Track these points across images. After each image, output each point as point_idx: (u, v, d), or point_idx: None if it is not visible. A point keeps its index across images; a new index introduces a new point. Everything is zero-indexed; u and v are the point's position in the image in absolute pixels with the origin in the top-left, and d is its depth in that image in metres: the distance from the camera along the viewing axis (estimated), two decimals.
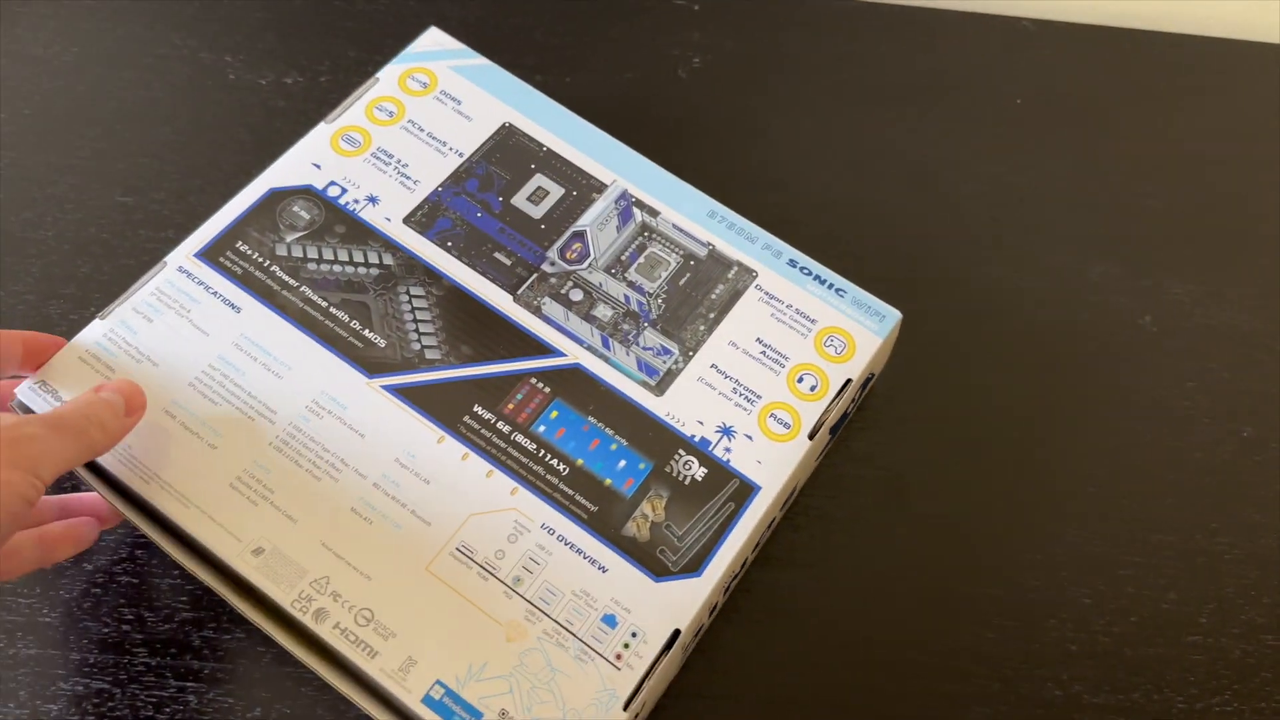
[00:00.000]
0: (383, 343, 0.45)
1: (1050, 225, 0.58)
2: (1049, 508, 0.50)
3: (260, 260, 0.46)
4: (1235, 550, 0.49)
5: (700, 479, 0.43)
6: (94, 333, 0.44)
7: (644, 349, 0.46)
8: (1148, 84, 0.64)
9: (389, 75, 0.52)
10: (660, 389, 0.45)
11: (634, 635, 0.40)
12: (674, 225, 0.49)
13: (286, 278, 0.46)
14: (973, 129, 0.61)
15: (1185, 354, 0.55)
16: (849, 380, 0.46)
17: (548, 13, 0.63)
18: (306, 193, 0.48)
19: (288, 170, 0.49)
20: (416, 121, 0.51)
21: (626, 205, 0.49)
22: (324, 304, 0.45)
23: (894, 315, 0.48)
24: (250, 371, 0.43)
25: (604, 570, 0.41)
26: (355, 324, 0.45)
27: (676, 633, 0.40)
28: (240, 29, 0.61)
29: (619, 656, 0.39)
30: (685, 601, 0.41)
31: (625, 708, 0.39)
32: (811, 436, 0.44)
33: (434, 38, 0.53)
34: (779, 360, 0.46)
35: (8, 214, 0.54)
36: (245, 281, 0.45)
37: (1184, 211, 0.59)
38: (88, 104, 0.58)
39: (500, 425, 0.43)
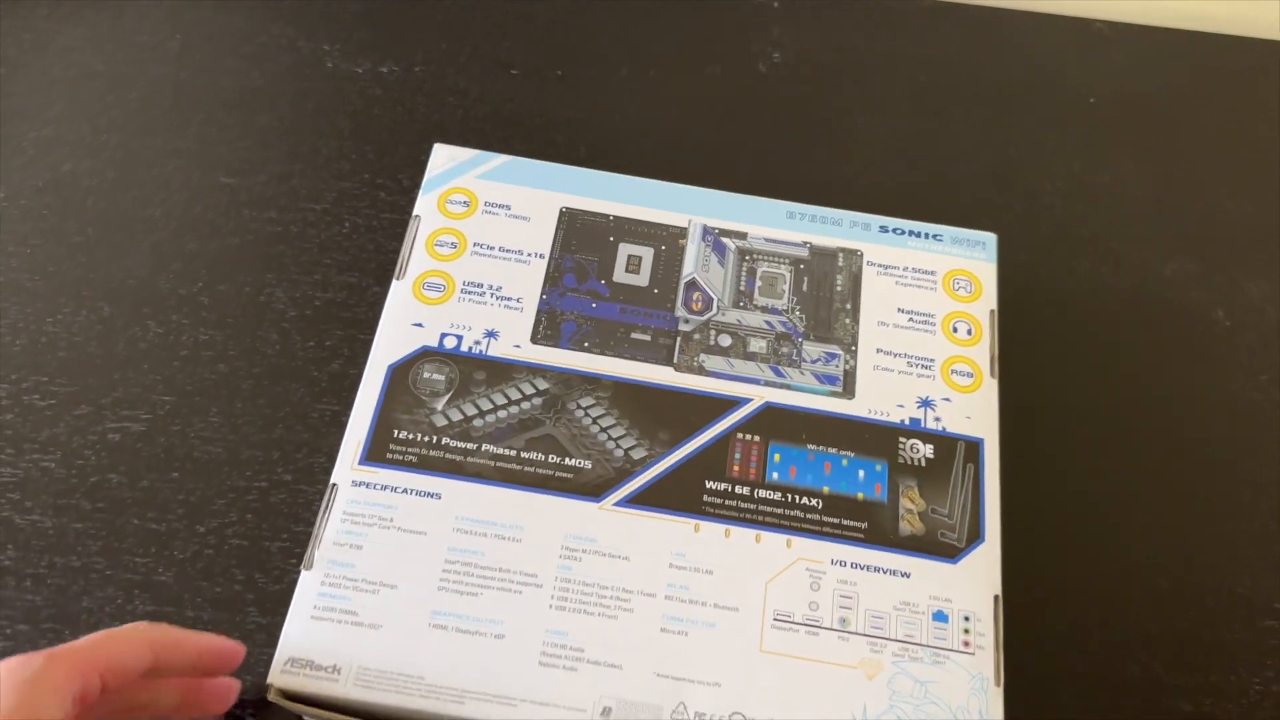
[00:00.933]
0: (588, 464, 0.44)
1: (1127, 223, 0.60)
2: (1130, 496, 0.53)
3: (427, 439, 0.44)
4: None
5: (932, 455, 0.45)
6: (310, 584, 0.41)
7: (812, 363, 0.47)
8: (1220, 86, 0.66)
9: (426, 208, 0.49)
10: (848, 391, 0.46)
11: (966, 619, 0.42)
12: (765, 239, 0.50)
13: (463, 444, 0.44)
14: (1049, 128, 0.63)
15: (1258, 348, 0.56)
16: (992, 310, 0.49)
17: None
18: (426, 355, 0.46)
19: (393, 342, 0.46)
20: (481, 243, 0.49)
21: (714, 239, 0.50)
22: (513, 453, 0.44)
23: (991, 238, 0.51)
24: (488, 549, 0.42)
25: (907, 576, 0.42)
26: (553, 458, 0.44)
27: (997, 598, 0.42)
28: (336, 20, 0.64)
29: (966, 643, 0.41)
30: (987, 567, 0.43)
31: (998, 683, 0.41)
32: (994, 374, 0.47)
33: (446, 154, 0.51)
34: (927, 320, 0.48)
35: (118, 193, 0.57)
36: (426, 465, 0.43)
37: (1260, 213, 0.61)
38: (192, 90, 0.61)
39: (739, 490, 0.44)
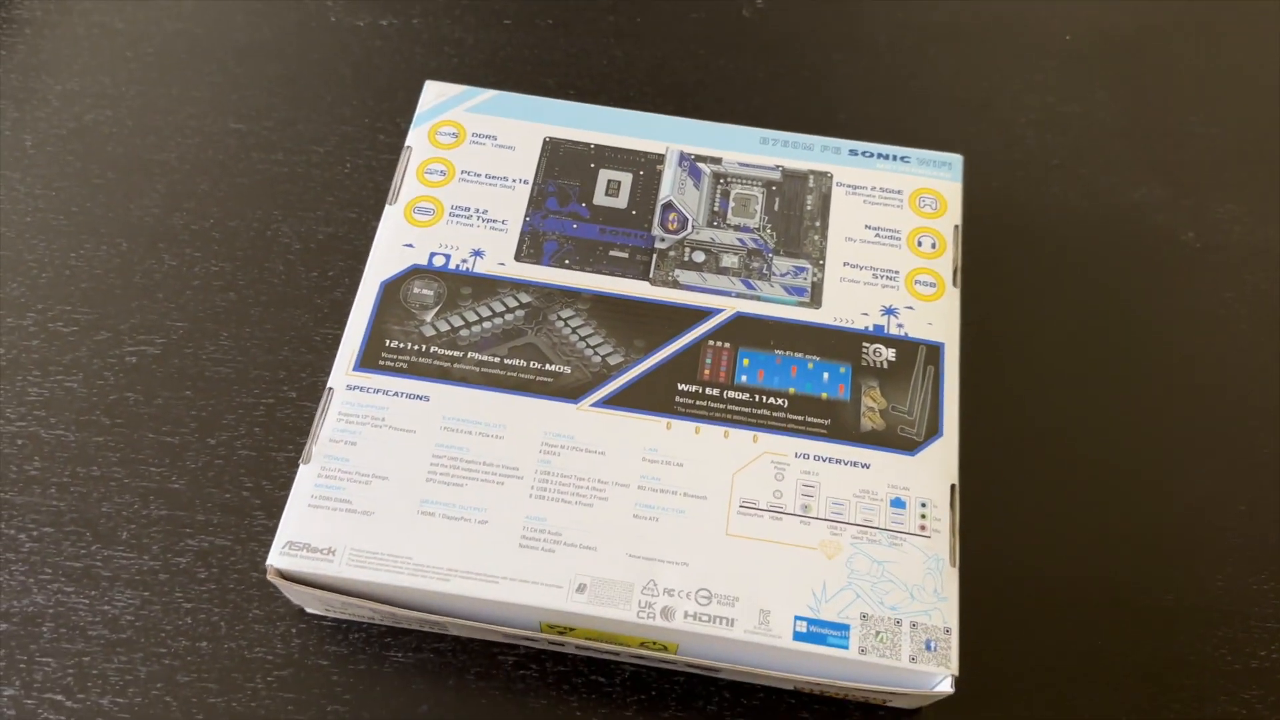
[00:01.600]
0: (568, 370, 0.47)
1: (1098, 151, 0.62)
2: (1091, 401, 0.54)
3: (417, 348, 0.47)
4: None
5: (894, 359, 0.47)
6: (307, 475, 0.44)
7: (781, 275, 0.50)
8: (1192, 17, 0.67)
9: (417, 140, 0.53)
10: (815, 301, 0.49)
11: (923, 505, 0.44)
12: (739, 163, 0.53)
13: (450, 352, 0.47)
14: (1024, 64, 0.65)
15: (1226, 267, 0.58)
16: (956, 225, 0.51)
17: None
18: (416, 273, 0.49)
19: (385, 261, 0.49)
20: (469, 171, 0.52)
21: (690, 164, 0.52)
22: (497, 360, 0.47)
23: (957, 160, 0.53)
24: (473, 445, 0.45)
25: (867, 467, 0.45)
26: (535, 364, 0.47)
27: (954, 487, 0.45)
28: None
29: (922, 527, 0.44)
30: (944, 459, 0.45)
31: (954, 564, 0.43)
32: (956, 284, 0.49)
33: (436, 90, 0.54)
34: (893, 235, 0.51)
35: (135, 139, 0.61)
36: (416, 371, 0.46)
37: (1229, 137, 0.62)
38: (204, 43, 0.64)
39: (709, 391, 0.46)
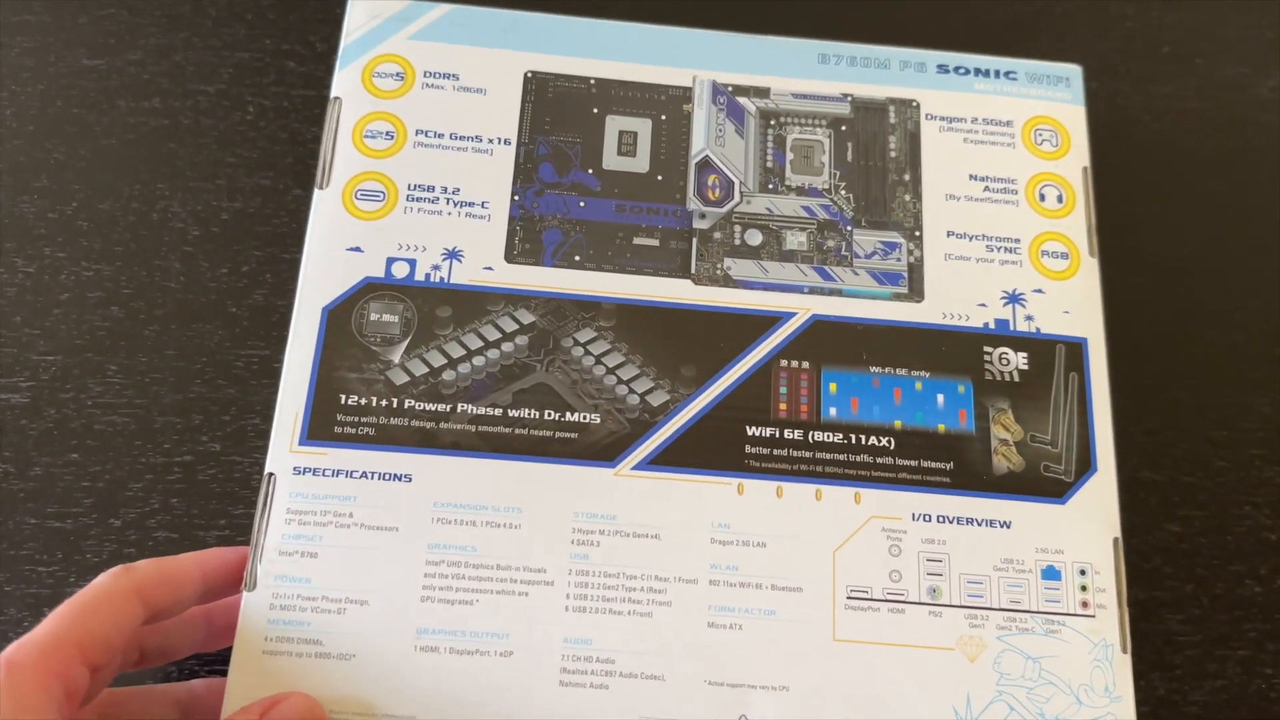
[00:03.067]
0: (596, 418, 0.34)
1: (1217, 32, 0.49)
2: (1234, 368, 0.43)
3: (385, 403, 0.34)
4: None
5: (1026, 366, 0.36)
6: (255, 609, 0.32)
7: (867, 257, 0.37)
8: None
9: (347, 86, 0.38)
10: (915, 292, 0.36)
11: (1083, 573, 0.34)
12: (793, 94, 0.39)
13: (432, 406, 0.34)
14: None
15: None
16: (1084, 168, 0.38)
17: None
18: (371, 290, 0.35)
19: (325, 275, 0.35)
20: (426, 129, 0.37)
21: (728, 99, 0.38)
22: (499, 412, 0.34)
23: (1075, 71, 0.40)
24: (480, 541, 0.33)
25: (1007, 526, 0.34)
26: (551, 415, 0.34)
27: (1117, 541, 0.34)
28: None
29: (1084, 604, 0.33)
30: (1102, 505, 0.34)
31: (1125, 649, 0.33)
32: (1093, 252, 0.37)
33: (366, 10, 0.39)
34: (1007, 187, 0.38)
35: None
36: (388, 439, 0.34)
37: None
38: None
39: (789, 434, 0.34)
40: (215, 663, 0.36)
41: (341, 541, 0.32)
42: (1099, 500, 0.34)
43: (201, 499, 0.39)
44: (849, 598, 0.33)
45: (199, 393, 0.40)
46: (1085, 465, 0.35)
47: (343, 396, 0.34)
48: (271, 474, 0.33)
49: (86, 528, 0.38)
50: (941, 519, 0.34)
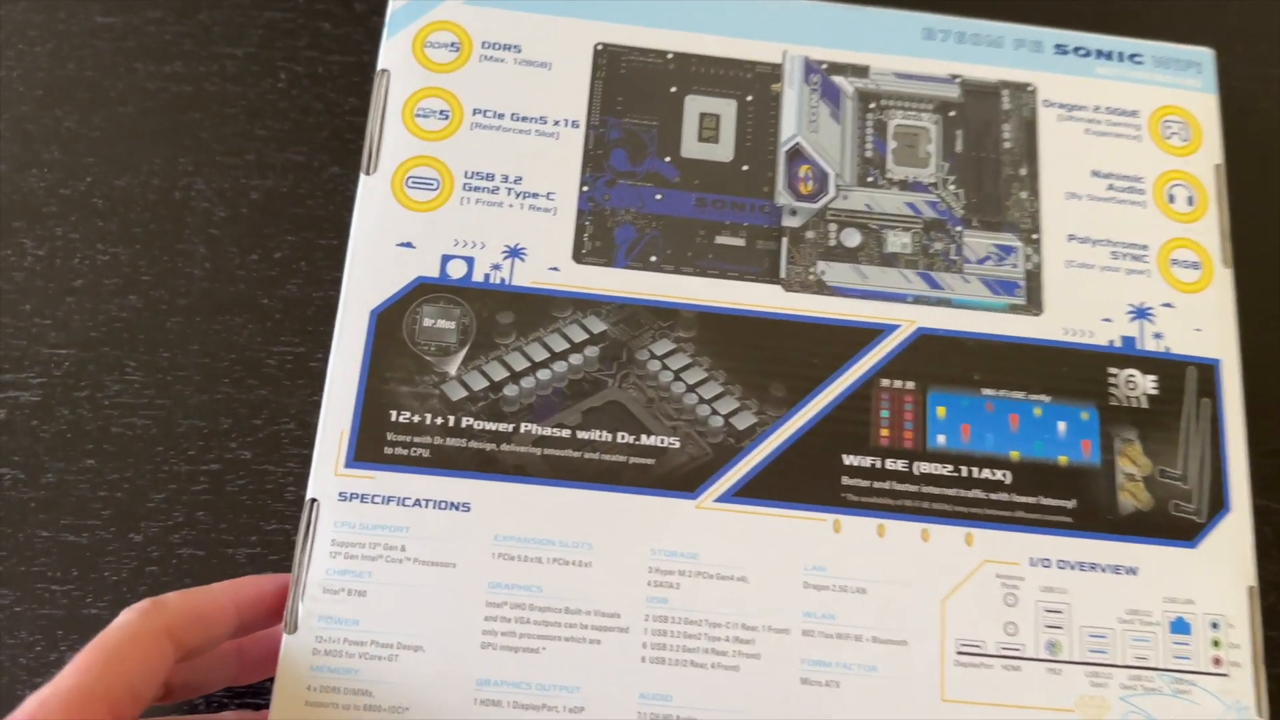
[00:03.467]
0: (675, 441, 0.31)
1: None
2: None
3: (440, 422, 0.30)
4: None
5: (1154, 390, 0.32)
6: (297, 654, 0.28)
7: (979, 263, 0.33)
8: None
9: (396, 57, 0.33)
10: (1034, 303, 0.32)
11: (1214, 626, 0.30)
12: (896, 73, 0.34)
13: (493, 425, 0.30)
14: None
15: None
16: (1217, 165, 0.34)
17: None
18: (424, 292, 0.31)
19: (372, 273, 0.31)
20: (484, 109, 0.33)
21: (822, 78, 0.34)
22: (566, 434, 0.30)
23: (1206, 55, 0.35)
24: (547, 580, 0.29)
25: (1134, 572, 0.30)
26: (624, 437, 0.30)
27: (1252, 590, 0.31)
28: None
29: (1217, 661, 0.30)
30: (1236, 549, 0.31)
31: (1262, 713, 0.30)
32: (1227, 262, 0.33)
33: None
34: (1134, 186, 0.34)
35: None
36: (444, 462, 0.30)
37: None
38: None
39: (892, 465, 0.31)
40: (246, 695, 0.33)
41: (393, 578, 0.29)
42: (1233, 543, 0.31)
43: (230, 512, 0.35)
44: (959, 652, 0.29)
45: (227, 393, 0.36)
46: (1218, 504, 0.31)
47: (393, 413, 0.30)
48: (314, 500, 0.29)
49: (104, 542, 0.35)
50: (1062, 564, 0.30)
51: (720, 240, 0.32)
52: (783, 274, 0.32)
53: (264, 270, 0.38)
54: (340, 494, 0.30)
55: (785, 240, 0.33)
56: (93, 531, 0.35)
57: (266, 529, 0.35)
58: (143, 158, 0.39)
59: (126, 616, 0.26)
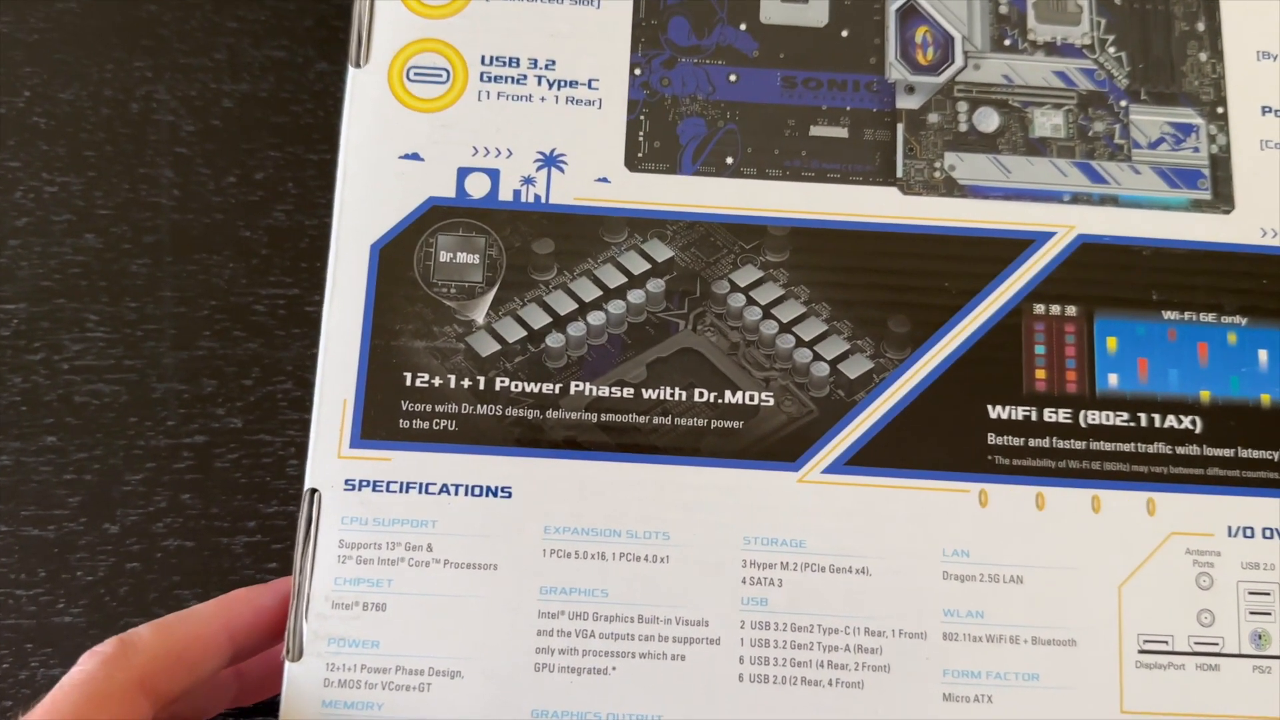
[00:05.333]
0: (768, 397, 0.24)
1: None
2: None
3: (468, 385, 0.24)
4: None
5: None
6: (304, 686, 0.22)
7: (1151, 148, 0.25)
8: None
9: None
10: (1222, 198, 0.25)
11: None
12: None
13: (536, 387, 0.24)
14: None
15: None
16: None
17: None
18: (438, 216, 0.24)
19: (369, 197, 0.24)
20: None
21: None
22: (628, 394, 0.24)
23: None
24: (612, 581, 0.23)
25: None
26: (702, 394, 0.24)
27: None
28: None
29: None
30: None
31: None
32: None
33: None
34: None
35: None
36: (476, 437, 0.23)
37: None
38: None
39: (1050, 416, 0.24)
40: (249, 713, 0.27)
41: (419, 587, 0.23)
42: None
43: (222, 493, 0.29)
44: (1142, 651, 0.23)
45: (209, 349, 0.30)
46: None
47: (408, 376, 0.24)
48: (314, 491, 0.23)
49: (74, 536, 0.29)
50: (1269, 533, 0.24)
51: (816, 131, 0.25)
52: (899, 172, 0.25)
53: (244, 195, 0.31)
54: (347, 482, 0.23)
55: (901, 127, 0.25)
56: (60, 523, 0.29)
57: (266, 512, 0.29)
58: (91, 63, 0.32)
59: (86, 668, 0.20)
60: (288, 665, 0.23)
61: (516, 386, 0.24)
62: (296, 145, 0.31)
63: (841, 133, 0.25)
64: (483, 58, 0.25)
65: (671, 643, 0.23)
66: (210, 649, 0.22)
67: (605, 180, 0.25)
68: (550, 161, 0.25)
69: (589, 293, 0.24)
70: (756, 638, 0.23)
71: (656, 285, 0.24)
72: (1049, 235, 0.25)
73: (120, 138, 0.31)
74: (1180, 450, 0.24)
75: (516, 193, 0.25)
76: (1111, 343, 0.24)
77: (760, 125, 0.25)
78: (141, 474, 0.29)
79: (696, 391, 0.24)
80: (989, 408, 0.24)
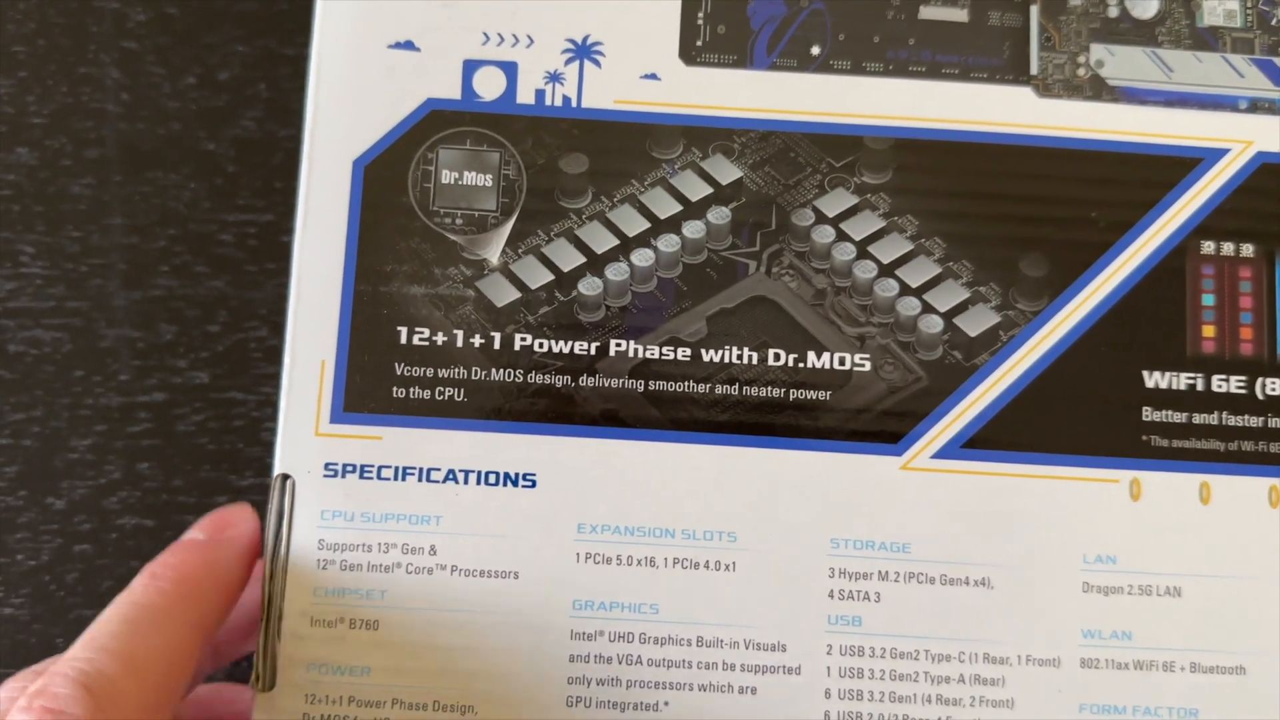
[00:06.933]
0: (865, 362, 0.19)
1: None
2: None
3: (482, 343, 0.19)
4: None
5: None
6: None
7: None
8: None
9: None
10: None
11: None
12: None
13: (565, 346, 0.19)
14: None
15: None
16: None
17: None
18: (439, 123, 0.19)
19: (349, 99, 0.19)
20: None
21: None
22: (685, 356, 0.19)
23: None
24: (663, 594, 0.18)
25: None
26: (778, 356, 0.19)
27: None
28: None
29: None
30: None
31: None
32: None
33: None
34: None
35: None
36: (489, 410, 0.18)
37: None
38: None
39: (1221, 385, 0.19)
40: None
41: (420, 600, 0.18)
42: None
43: (186, 463, 0.24)
44: None
45: (167, 287, 0.25)
46: None
47: (403, 330, 0.19)
48: (286, 477, 0.18)
49: (12, 513, 0.24)
50: None
51: (927, 13, 0.19)
52: (1034, 68, 0.19)
53: (206, 100, 0.26)
54: (327, 466, 0.18)
55: (1036, 10, 0.20)
56: None
57: (239, 485, 0.24)
58: None
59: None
60: (258, 697, 0.18)
61: (541, 345, 0.19)
62: (267, 37, 0.26)
63: (961, 15, 0.19)
64: None
65: (739, 672, 0.18)
66: (189, 665, 0.17)
67: (654, 77, 0.19)
68: (583, 52, 0.19)
69: (634, 225, 0.19)
70: (847, 666, 0.18)
71: (720, 215, 0.19)
72: (1221, 153, 0.19)
73: (54, 29, 0.26)
74: None
75: (539, 93, 0.19)
76: None
77: (856, 4, 0.19)
78: (90, 439, 0.24)
79: (771, 353, 0.19)
80: (1144, 375, 0.19)
